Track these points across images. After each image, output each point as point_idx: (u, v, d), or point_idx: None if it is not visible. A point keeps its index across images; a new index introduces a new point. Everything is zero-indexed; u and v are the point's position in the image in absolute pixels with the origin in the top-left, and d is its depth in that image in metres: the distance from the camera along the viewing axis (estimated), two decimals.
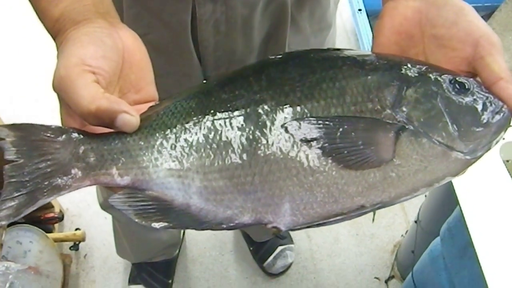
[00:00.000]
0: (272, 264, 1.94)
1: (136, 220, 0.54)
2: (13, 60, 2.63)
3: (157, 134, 0.55)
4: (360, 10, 2.44)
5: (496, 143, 0.56)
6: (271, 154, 0.53)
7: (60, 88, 0.53)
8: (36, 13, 0.61)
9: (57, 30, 0.59)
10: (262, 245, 1.96)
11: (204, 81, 0.63)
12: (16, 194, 0.53)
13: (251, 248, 1.99)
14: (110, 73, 0.56)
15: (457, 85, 0.55)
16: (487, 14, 2.50)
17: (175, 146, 0.54)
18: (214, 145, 0.54)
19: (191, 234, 2.05)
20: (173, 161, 0.54)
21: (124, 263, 1.97)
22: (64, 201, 2.10)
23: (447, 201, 1.24)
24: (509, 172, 1.06)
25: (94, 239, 2.03)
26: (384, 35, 0.63)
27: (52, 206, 1.94)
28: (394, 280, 1.92)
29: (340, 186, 0.53)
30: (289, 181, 0.53)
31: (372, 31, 2.32)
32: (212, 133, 0.54)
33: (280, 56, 0.60)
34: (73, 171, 0.54)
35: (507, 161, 1.09)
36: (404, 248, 1.83)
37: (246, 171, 0.53)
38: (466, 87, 0.55)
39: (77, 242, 1.94)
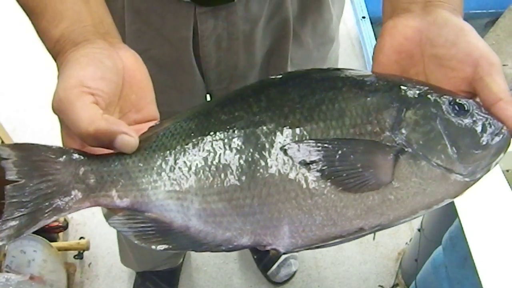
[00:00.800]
0: (276, 273, 1.94)
1: (136, 242, 0.54)
2: (20, 70, 2.65)
3: (156, 156, 0.55)
4: (364, 17, 2.45)
5: (496, 164, 0.55)
6: (270, 177, 0.53)
7: (59, 110, 0.54)
8: (37, 33, 0.61)
9: (57, 51, 0.59)
10: (266, 254, 1.96)
11: (206, 101, 0.63)
12: (17, 215, 0.53)
13: (255, 257, 1.99)
14: (110, 94, 0.56)
15: (456, 107, 0.55)
16: (491, 20, 2.51)
17: (174, 168, 0.54)
18: (213, 167, 0.54)
19: None
20: (172, 183, 0.54)
21: (128, 272, 1.96)
22: None
23: (450, 210, 1.24)
24: (508, 182, 1.05)
25: (98, 247, 2.04)
26: (384, 54, 0.63)
27: None
28: None
29: (339, 209, 0.53)
30: (288, 203, 0.53)
31: (375, 38, 2.33)
32: (211, 155, 0.54)
33: (280, 76, 0.60)
34: (73, 193, 0.54)
35: (507, 171, 1.09)
36: (408, 256, 1.83)
37: (245, 194, 0.53)
38: (466, 108, 0.55)
39: (81, 251, 1.94)
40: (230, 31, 0.87)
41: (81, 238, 2.00)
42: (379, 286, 1.94)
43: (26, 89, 2.56)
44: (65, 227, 1.95)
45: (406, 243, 2.01)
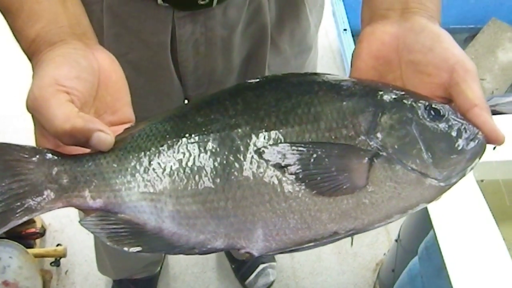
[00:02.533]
0: (254, 283, 1.93)
1: (108, 243, 0.54)
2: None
3: (131, 157, 0.55)
4: (345, 30, 2.46)
5: (471, 169, 0.56)
6: (244, 180, 0.53)
7: (34, 108, 0.53)
8: (13, 33, 0.61)
9: (32, 51, 0.59)
10: (243, 263, 1.95)
11: (184, 103, 0.63)
12: None
13: (233, 266, 1.99)
14: (85, 94, 0.56)
15: (432, 112, 0.56)
16: (470, 36, 2.54)
17: (149, 170, 0.54)
18: (188, 170, 0.54)
19: None
20: (146, 184, 0.54)
21: (105, 279, 1.95)
22: (47, 217, 2.08)
23: (426, 220, 1.25)
24: (482, 192, 1.06)
25: (75, 255, 2.02)
26: (362, 60, 0.63)
27: (34, 221, 1.93)
28: None
29: (313, 212, 0.53)
30: (262, 207, 0.53)
31: None
32: (186, 157, 0.54)
33: (257, 80, 0.60)
34: (45, 193, 0.53)
35: (482, 181, 1.10)
36: (386, 267, 1.83)
37: (219, 196, 0.53)
38: (441, 113, 0.56)
39: (58, 258, 1.92)
40: (208, 36, 0.87)
41: (58, 245, 1.98)
42: None
43: (5, 95, 2.53)
44: (42, 233, 1.93)
45: (384, 253, 2.02)
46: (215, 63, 0.92)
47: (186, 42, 0.87)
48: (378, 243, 2.08)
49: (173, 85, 0.95)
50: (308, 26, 0.98)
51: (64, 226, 2.09)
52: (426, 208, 1.05)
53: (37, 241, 1.96)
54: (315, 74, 0.61)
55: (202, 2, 0.81)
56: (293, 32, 0.96)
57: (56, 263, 1.92)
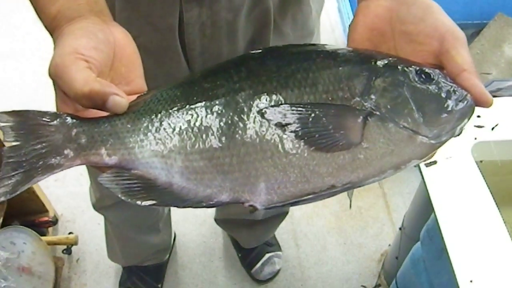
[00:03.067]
0: (260, 271, 1.97)
1: (123, 198, 0.58)
2: (18, 69, 2.70)
3: (144, 118, 0.59)
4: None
5: (461, 130, 0.59)
6: (248, 138, 0.57)
7: (56, 74, 0.58)
8: (35, 11, 0.65)
9: (54, 27, 0.63)
10: (250, 252, 1.99)
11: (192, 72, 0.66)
12: (13, 173, 0.57)
13: (240, 255, 2.03)
14: (101, 63, 0.60)
15: (422, 75, 0.59)
16: (476, 31, 2.56)
17: (159, 129, 0.59)
18: (196, 129, 0.58)
19: (181, 240, 2.08)
20: (157, 143, 0.58)
21: (115, 268, 1.99)
22: (59, 207, 2.13)
23: (429, 208, 1.28)
24: (481, 173, 1.08)
25: (87, 244, 2.06)
26: (358, 32, 0.67)
27: (47, 211, 1.98)
28: None
29: (311, 167, 0.57)
30: (265, 162, 0.57)
31: None
32: (194, 118, 0.58)
33: (259, 51, 0.65)
34: (65, 152, 0.58)
35: (481, 161, 1.12)
36: (390, 255, 1.86)
37: (224, 153, 0.58)
38: (431, 77, 0.59)
39: (69, 246, 1.97)
40: (214, 19, 0.90)
41: (70, 233, 2.02)
42: (362, 286, 1.98)
43: (24, 89, 2.60)
44: (54, 222, 1.98)
45: (389, 244, 2.05)
46: (220, 46, 0.96)
47: (193, 25, 0.91)
48: (383, 234, 2.11)
49: (180, 67, 0.99)
50: (309, 11, 1.02)
51: (76, 217, 2.14)
52: (427, 191, 1.08)
53: (50, 230, 2.00)
54: (314, 44, 0.66)
55: None
56: (295, 17, 1.00)
57: (68, 251, 1.97)
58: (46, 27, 0.65)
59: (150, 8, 0.89)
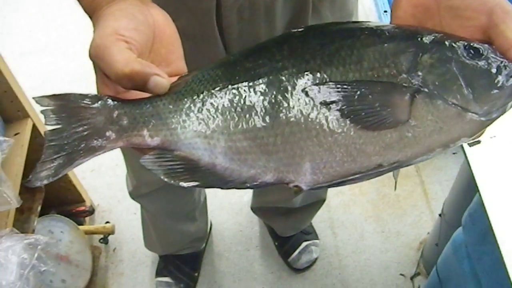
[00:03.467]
0: (297, 259, 1.96)
1: (166, 179, 0.57)
2: (50, 65, 2.73)
3: (185, 99, 0.58)
4: (385, 11, 2.46)
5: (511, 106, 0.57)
6: (292, 117, 0.56)
7: (96, 55, 0.57)
8: None
9: (93, 9, 0.63)
10: (287, 240, 1.98)
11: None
12: (55, 156, 0.57)
13: (276, 243, 2.02)
14: (142, 44, 0.60)
15: (471, 51, 0.57)
16: None
17: (202, 110, 0.57)
18: (239, 109, 0.57)
19: (217, 229, 2.09)
20: (200, 123, 0.57)
21: (152, 257, 2.01)
22: (95, 197, 2.15)
23: (470, 193, 1.25)
24: None
25: (123, 233, 2.08)
26: (401, 8, 0.65)
27: (84, 201, 2.00)
28: (420, 277, 1.92)
29: (358, 146, 0.55)
30: (310, 141, 0.56)
31: None
32: (237, 97, 0.57)
33: (301, 29, 0.63)
34: (107, 133, 0.57)
35: None
36: (430, 244, 1.83)
37: (268, 133, 0.56)
38: (481, 52, 0.57)
39: (106, 235, 1.99)
40: (252, 1, 0.89)
41: (106, 222, 2.04)
42: (400, 274, 1.95)
43: (55, 84, 2.63)
44: (91, 212, 2.00)
45: (428, 232, 2.01)
46: (258, 29, 0.95)
47: (231, 8, 0.90)
48: (422, 222, 2.08)
49: (218, 51, 0.98)
50: None
51: (112, 207, 2.16)
52: (471, 171, 1.05)
53: (87, 219, 2.03)
54: (357, 21, 0.64)
55: None
56: None
57: (105, 240, 1.99)
58: (85, 9, 0.64)
59: None
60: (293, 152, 0.56)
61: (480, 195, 1.02)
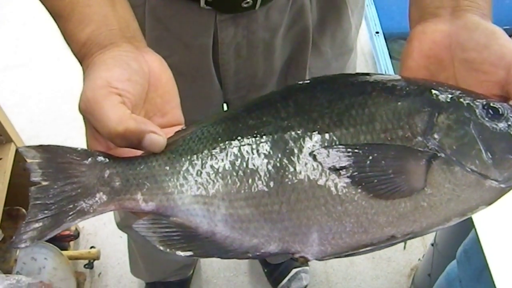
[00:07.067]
0: (287, 287, 1.92)
1: (161, 248, 0.53)
2: (35, 79, 2.67)
3: (183, 160, 0.54)
4: (377, 32, 2.44)
5: None
6: (298, 183, 0.52)
7: (87, 110, 0.53)
8: (63, 36, 0.61)
9: (83, 54, 0.59)
10: (276, 267, 1.94)
11: (233, 107, 0.62)
12: (41, 216, 0.53)
13: (266, 270, 1.98)
14: (136, 96, 0.56)
15: (490, 111, 0.54)
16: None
17: (201, 172, 0.54)
18: (241, 172, 0.53)
19: None
20: (199, 187, 0.53)
21: (138, 282, 1.96)
22: None
23: (464, 224, 1.23)
24: None
25: (109, 258, 2.03)
26: (413, 59, 0.62)
27: None
28: None
29: (369, 216, 0.52)
30: (317, 210, 0.52)
31: (389, 53, 2.32)
32: (239, 160, 0.53)
33: (308, 82, 0.59)
34: (98, 195, 0.53)
35: None
36: (421, 271, 1.81)
37: (273, 200, 0.52)
38: (500, 112, 0.54)
39: (91, 260, 1.94)
40: (250, 39, 0.86)
41: (91, 247, 1.99)
42: None
43: (40, 100, 2.57)
44: (76, 236, 1.95)
45: (419, 259, 1.99)
46: (256, 66, 0.92)
47: (228, 45, 0.87)
48: (413, 248, 2.05)
49: (213, 88, 0.95)
50: (349, 28, 0.97)
51: (97, 229, 2.11)
52: None
53: (71, 243, 1.98)
54: (367, 74, 0.60)
55: (245, 5, 0.80)
56: (334, 34, 0.95)
57: (90, 265, 1.94)
58: (75, 54, 0.61)
59: (183, 28, 0.85)
60: (299, 221, 0.52)
61: (476, 231, 1.00)
